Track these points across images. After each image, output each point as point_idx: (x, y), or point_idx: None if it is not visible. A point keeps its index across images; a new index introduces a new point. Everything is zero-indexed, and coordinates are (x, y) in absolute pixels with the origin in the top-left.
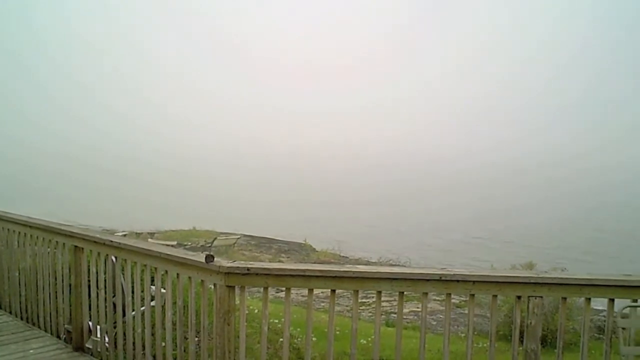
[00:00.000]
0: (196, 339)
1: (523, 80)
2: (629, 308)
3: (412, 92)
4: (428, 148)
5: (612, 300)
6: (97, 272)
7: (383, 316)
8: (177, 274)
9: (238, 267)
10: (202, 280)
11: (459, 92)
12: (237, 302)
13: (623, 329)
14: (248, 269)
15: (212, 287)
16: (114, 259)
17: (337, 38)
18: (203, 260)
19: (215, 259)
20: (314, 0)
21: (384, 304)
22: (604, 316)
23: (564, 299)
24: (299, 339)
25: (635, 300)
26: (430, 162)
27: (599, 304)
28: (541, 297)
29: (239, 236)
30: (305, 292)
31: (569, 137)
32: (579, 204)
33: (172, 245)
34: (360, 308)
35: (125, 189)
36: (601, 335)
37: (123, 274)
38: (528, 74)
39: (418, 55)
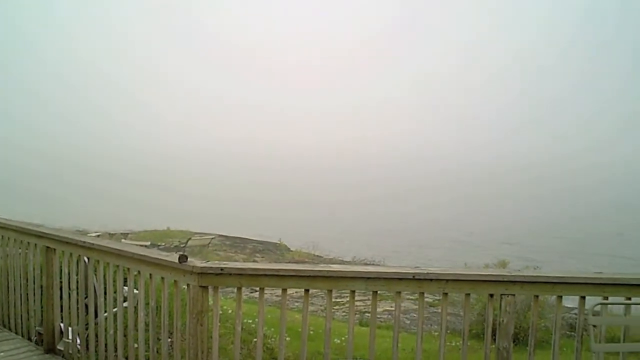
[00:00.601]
0: (169, 339)
1: (508, 80)
2: (599, 305)
3: (402, 92)
4: (417, 148)
5: (583, 298)
6: (69, 273)
7: (357, 315)
8: (150, 275)
9: (211, 267)
10: (175, 281)
11: (446, 92)
12: (211, 302)
13: (594, 326)
14: (221, 269)
15: (186, 287)
16: (86, 259)
17: (328, 39)
18: (176, 261)
19: (188, 259)
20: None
21: (358, 303)
22: (575, 314)
23: (536, 297)
24: (272, 339)
25: (606, 298)
26: (418, 162)
27: (571, 301)
28: (513, 295)
29: (213, 236)
30: (280, 292)
31: (554, 137)
32: (564, 203)
33: (146, 246)
34: (335, 308)
35: (101, 189)
36: (573, 333)
37: (95, 275)
38: (513, 74)
39: (403, 57)
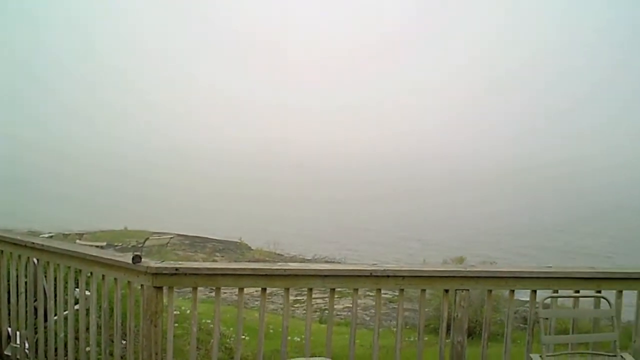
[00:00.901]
0: (123, 342)
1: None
2: (549, 299)
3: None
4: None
5: (534, 292)
6: (17, 276)
7: (317, 313)
8: (103, 276)
9: (166, 267)
10: (128, 282)
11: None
12: (166, 303)
13: (545, 319)
14: (176, 269)
15: (140, 288)
16: (35, 261)
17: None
18: (130, 261)
19: (142, 259)
20: None
21: (319, 300)
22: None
23: (490, 291)
24: (231, 339)
25: (556, 291)
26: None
27: (527, 295)
28: (468, 290)
29: (172, 236)
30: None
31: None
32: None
33: (102, 247)
34: (295, 306)
35: (55, 188)
36: (526, 326)
37: (45, 277)
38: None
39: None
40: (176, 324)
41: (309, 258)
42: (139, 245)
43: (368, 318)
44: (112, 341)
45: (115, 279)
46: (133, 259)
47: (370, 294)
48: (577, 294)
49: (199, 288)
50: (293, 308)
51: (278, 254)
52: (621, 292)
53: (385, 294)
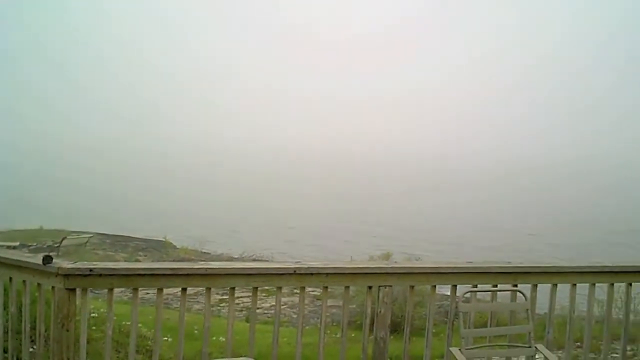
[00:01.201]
0: (35, 346)
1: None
2: (469, 293)
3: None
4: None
5: (454, 286)
6: None
7: (244, 312)
8: (10, 278)
9: (79, 268)
10: (38, 284)
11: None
12: (79, 305)
13: (465, 312)
14: (91, 269)
15: (51, 290)
16: None
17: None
18: (40, 262)
19: (54, 260)
20: None
21: (246, 299)
22: None
23: (412, 287)
24: (152, 340)
25: (475, 286)
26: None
27: (449, 290)
28: (391, 286)
29: (91, 235)
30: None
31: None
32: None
33: (14, 247)
34: (221, 305)
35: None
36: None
37: None
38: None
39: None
40: (94, 327)
41: (236, 257)
42: (56, 245)
43: (295, 316)
44: (21, 345)
45: (24, 281)
46: (43, 259)
47: (297, 291)
48: (495, 288)
49: (120, 289)
50: (220, 307)
51: (204, 253)
52: (536, 285)
53: (312, 291)
